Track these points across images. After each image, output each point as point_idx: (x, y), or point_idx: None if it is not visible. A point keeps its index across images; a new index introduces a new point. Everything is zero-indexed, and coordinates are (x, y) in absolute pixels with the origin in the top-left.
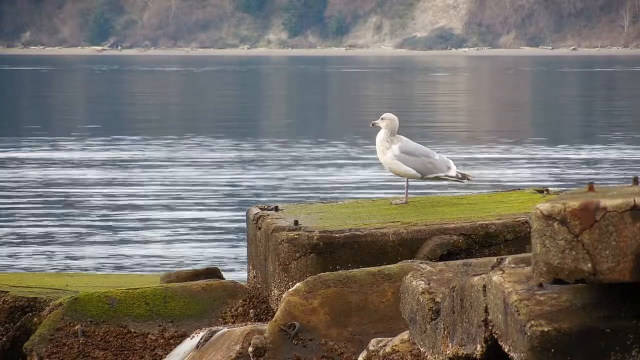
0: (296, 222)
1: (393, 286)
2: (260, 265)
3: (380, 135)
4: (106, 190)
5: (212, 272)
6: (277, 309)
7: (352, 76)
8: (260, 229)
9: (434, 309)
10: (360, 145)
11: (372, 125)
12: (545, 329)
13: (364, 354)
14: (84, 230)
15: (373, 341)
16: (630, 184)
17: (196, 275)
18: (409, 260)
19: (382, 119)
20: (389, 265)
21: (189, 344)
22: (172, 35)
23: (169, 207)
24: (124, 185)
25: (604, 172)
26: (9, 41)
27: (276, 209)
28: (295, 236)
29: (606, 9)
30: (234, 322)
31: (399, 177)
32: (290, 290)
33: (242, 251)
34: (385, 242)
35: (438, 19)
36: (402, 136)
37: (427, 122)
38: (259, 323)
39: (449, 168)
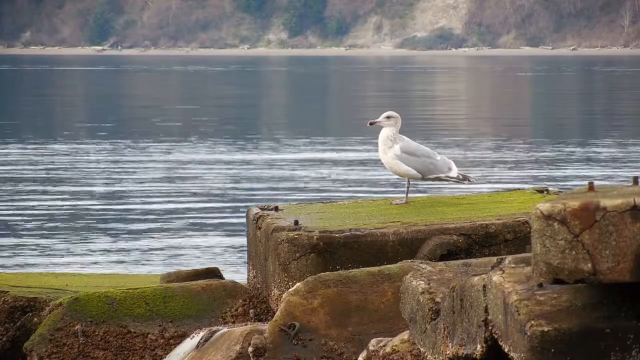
0: (296, 222)
1: (393, 286)
2: (260, 265)
3: (385, 134)
4: (106, 191)
5: (212, 272)
6: (277, 309)
7: (352, 76)
8: (260, 229)
9: (434, 309)
10: (361, 145)
11: (370, 124)
12: (545, 329)
13: (364, 354)
14: (84, 230)
15: (373, 341)
16: (630, 184)
17: (196, 275)
18: (409, 260)
19: (388, 117)
20: (389, 265)
21: (189, 344)
22: (172, 35)
23: (168, 207)
24: (124, 185)
25: (604, 171)
26: (9, 41)
27: (276, 209)
28: (295, 236)
29: (606, 9)
30: (234, 322)
31: (399, 177)
32: (290, 290)
33: (242, 251)
34: (385, 242)
35: (438, 19)
36: (404, 136)
37: (427, 122)
38: (259, 323)
39: (450, 169)
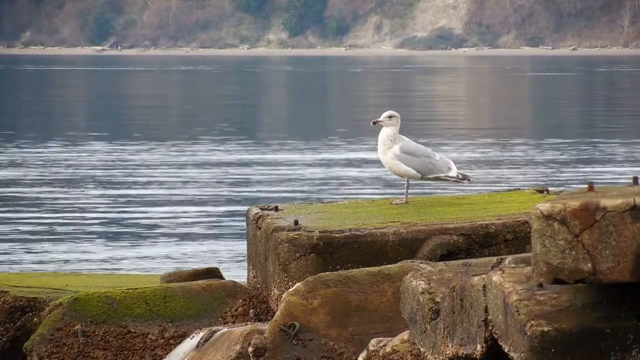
0: (296, 222)
1: (393, 286)
2: (260, 265)
3: (385, 133)
4: (106, 191)
5: (212, 272)
6: (277, 309)
7: (352, 76)
8: (260, 229)
9: (434, 309)
10: (361, 145)
11: (374, 123)
12: (545, 329)
13: (364, 354)
14: (84, 230)
15: (373, 341)
16: (630, 184)
17: (196, 275)
18: (409, 260)
19: (389, 116)
20: (389, 265)
21: (189, 344)
22: (172, 35)
23: (169, 207)
24: (124, 185)
25: (603, 172)
26: (9, 41)
27: (276, 209)
28: (295, 236)
29: (606, 9)
30: (234, 322)
31: (399, 177)
32: (290, 290)
33: (242, 251)
34: (385, 242)
35: (438, 19)
36: (403, 136)
37: (427, 122)
38: (259, 323)
39: (449, 169)
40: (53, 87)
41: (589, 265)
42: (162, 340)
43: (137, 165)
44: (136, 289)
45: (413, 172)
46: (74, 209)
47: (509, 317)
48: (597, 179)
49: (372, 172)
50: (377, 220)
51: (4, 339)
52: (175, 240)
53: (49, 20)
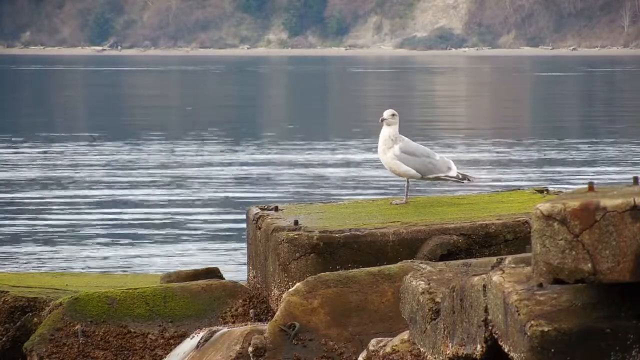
0: (296, 222)
1: (393, 286)
2: (260, 265)
3: (386, 133)
4: (106, 191)
5: (212, 272)
6: (277, 309)
7: (352, 76)
8: (260, 229)
9: (434, 309)
10: (360, 145)
11: (382, 121)
12: (545, 329)
13: (364, 354)
14: (84, 230)
15: (373, 341)
16: (630, 184)
17: (196, 275)
18: (409, 260)
19: (392, 115)
20: (389, 265)
21: (189, 344)
22: (172, 35)
23: (169, 207)
24: (124, 185)
25: (604, 172)
26: (9, 41)
27: (276, 209)
28: (295, 236)
29: (606, 9)
30: (234, 322)
31: (399, 177)
32: (290, 290)
33: (242, 251)
34: (385, 242)
35: (438, 19)
36: (403, 136)
37: (427, 123)
38: (259, 323)
39: (449, 168)
40: (53, 88)
41: (589, 265)
42: (162, 340)
43: (137, 165)
44: (136, 289)
45: (413, 172)
46: (74, 208)
47: (509, 317)
48: (597, 179)
49: (372, 172)
50: (377, 220)
51: (4, 339)
52: (175, 240)
53: (49, 20)
